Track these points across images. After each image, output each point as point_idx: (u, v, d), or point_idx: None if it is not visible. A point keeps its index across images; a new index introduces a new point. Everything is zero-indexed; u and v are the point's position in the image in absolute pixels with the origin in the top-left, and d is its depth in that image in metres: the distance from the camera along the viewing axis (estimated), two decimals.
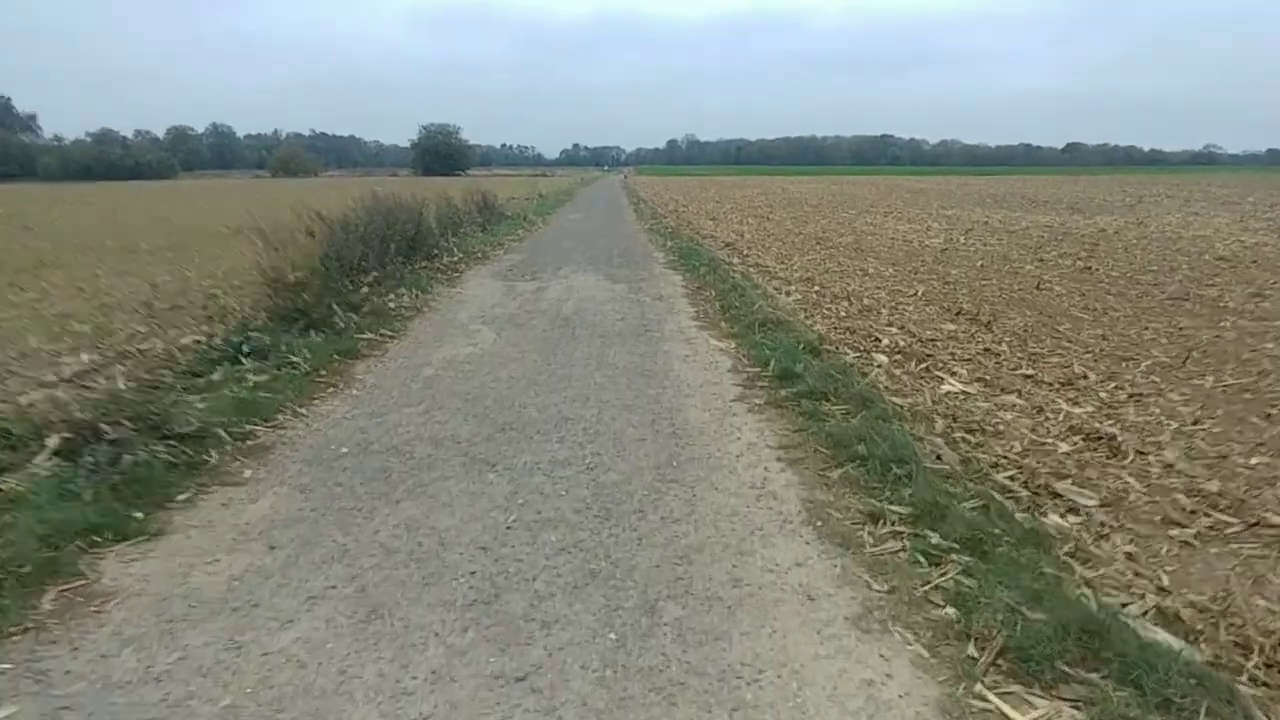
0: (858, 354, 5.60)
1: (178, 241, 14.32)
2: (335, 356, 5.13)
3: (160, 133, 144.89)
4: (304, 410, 4.14)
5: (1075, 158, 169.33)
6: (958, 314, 7.20)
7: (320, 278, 6.34)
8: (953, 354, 5.64)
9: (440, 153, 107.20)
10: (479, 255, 11.09)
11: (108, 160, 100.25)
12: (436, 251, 9.58)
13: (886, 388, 4.59)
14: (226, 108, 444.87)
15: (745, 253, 11.81)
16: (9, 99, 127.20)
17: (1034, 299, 7.95)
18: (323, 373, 4.79)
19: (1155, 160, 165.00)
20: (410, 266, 8.65)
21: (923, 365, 5.31)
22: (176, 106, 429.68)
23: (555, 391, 4.64)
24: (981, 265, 10.49)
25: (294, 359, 4.78)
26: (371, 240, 7.65)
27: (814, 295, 8.11)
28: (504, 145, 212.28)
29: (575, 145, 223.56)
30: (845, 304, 7.65)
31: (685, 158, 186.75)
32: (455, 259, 10.03)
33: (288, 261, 6.11)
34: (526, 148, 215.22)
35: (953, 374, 5.11)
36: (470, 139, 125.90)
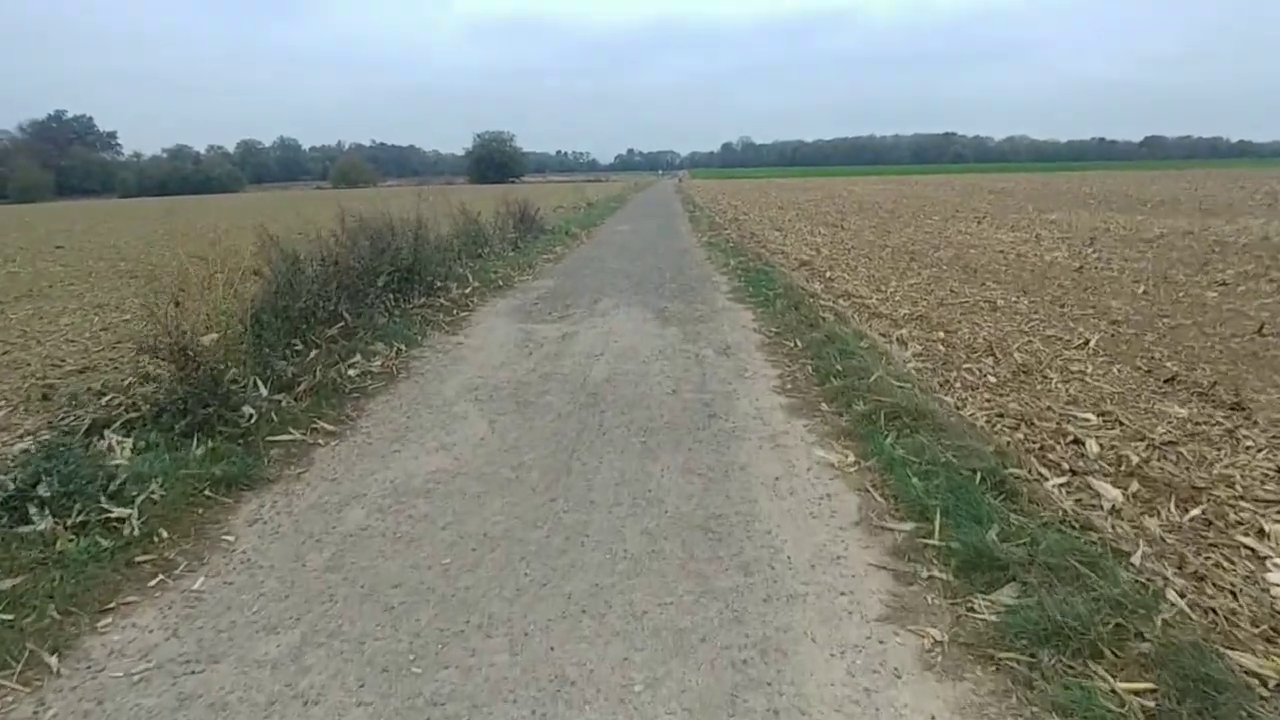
0: (1062, 479, 3.37)
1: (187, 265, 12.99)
2: (206, 492, 3.18)
3: (231, 147, 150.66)
4: (34, 673, 2.15)
5: (1155, 151, 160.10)
6: (1170, 381, 4.85)
7: (247, 341, 4.45)
8: (1232, 482, 3.33)
9: (494, 161, 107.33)
10: (500, 283, 9.13)
11: (179, 175, 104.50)
12: (440, 284, 7.66)
13: (1189, 600, 2.35)
14: (293, 121, 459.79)
15: (827, 275, 9.56)
16: (90, 118, 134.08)
17: (1269, 353, 5.52)
18: (159, 537, 2.83)
19: (1244, 152, 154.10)
20: (402, 307, 6.75)
21: (1194, 508, 3.05)
22: (246, 121, 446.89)
23: (552, 582, 2.58)
24: (1144, 292, 7.99)
25: (117, 511, 2.83)
26: (339, 279, 5.76)
27: (939, 346, 5.85)
28: (559, 152, 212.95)
29: (630, 150, 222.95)
30: (989, 362, 5.38)
31: (740, 160, 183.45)
32: (467, 290, 8.09)
33: (196, 319, 4.24)
34: (581, 154, 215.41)
35: (1263, 535, 2.85)
36: (525, 146, 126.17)
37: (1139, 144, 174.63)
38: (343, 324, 5.46)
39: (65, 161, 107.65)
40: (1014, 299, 7.79)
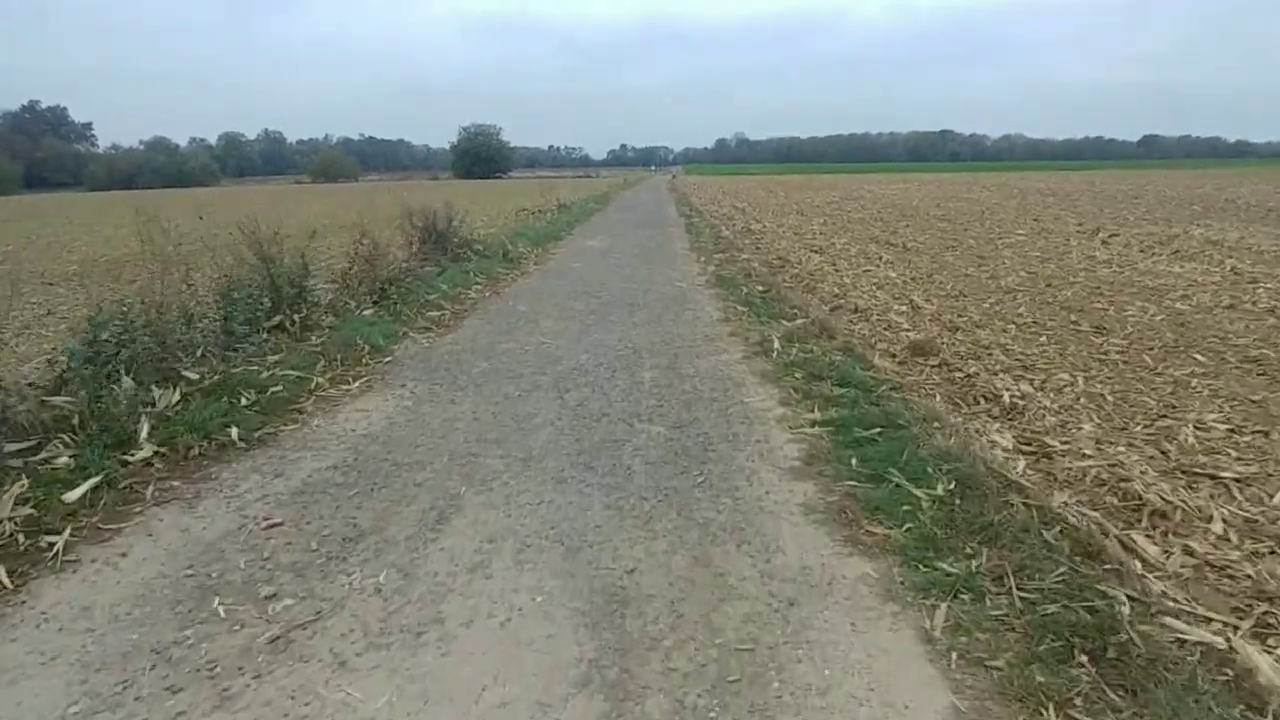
0: None
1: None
2: None
3: (213, 139, 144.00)
4: None
5: (1152, 151, 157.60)
6: None
7: None
8: None
9: (480, 155, 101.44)
10: (221, 445, 3.70)
11: (151, 167, 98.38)
12: None
13: None
14: (281, 115, 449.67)
15: (995, 387, 4.34)
16: (65, 108, 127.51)
17: None
18: None
19: (1241, 152, 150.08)
20: None
21: None
22: (233, 115, 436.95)
23: None
24: None
25: None
26: None
27: None
28: (551, 147, 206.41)
29: (623, 146, 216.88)
30: None
31: (735, 156, 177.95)
32: (72, 507, 2.84)
33: None
34: (574, 149, 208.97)
35: None
36: (517, 141, 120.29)
37: (1136, 143, 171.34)
38: None
39: (39, 153, 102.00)
40: None
